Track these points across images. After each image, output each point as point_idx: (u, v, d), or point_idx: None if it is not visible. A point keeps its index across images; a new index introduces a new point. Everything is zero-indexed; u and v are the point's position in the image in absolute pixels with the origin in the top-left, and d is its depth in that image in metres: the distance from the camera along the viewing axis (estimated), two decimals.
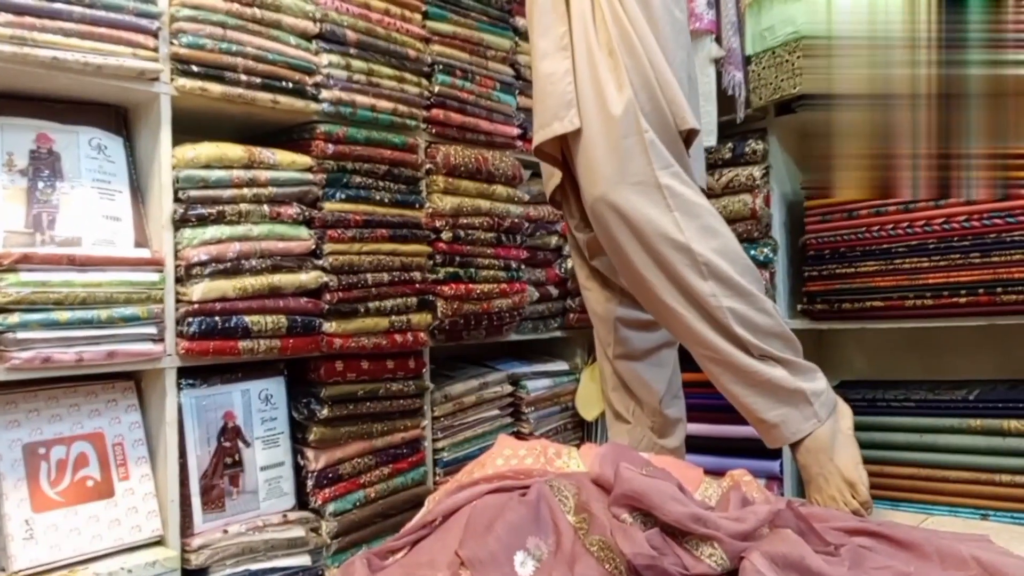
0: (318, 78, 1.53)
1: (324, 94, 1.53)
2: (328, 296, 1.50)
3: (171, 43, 1.35)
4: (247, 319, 1.38)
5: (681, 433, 1.58)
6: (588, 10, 1.32)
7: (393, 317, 1.61)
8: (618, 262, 1.36)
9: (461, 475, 1.20)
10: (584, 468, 1.12)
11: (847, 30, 1.53)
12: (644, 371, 1.52)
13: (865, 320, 1.85)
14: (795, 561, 0.87)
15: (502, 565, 0.90)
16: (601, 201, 1.30)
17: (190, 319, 1.33)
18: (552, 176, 1.50)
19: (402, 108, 1.67)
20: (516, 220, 1.88)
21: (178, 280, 1.35)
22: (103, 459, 1.30)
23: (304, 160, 1.50)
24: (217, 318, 1.35)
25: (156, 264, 1.32)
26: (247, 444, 1.45)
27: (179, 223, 1.35)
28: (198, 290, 1.33)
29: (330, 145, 1.53)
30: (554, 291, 2.02)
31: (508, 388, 1.93)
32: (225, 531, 1.37)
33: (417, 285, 1.66)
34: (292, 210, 1.47)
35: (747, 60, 1.90)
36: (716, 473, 1.17)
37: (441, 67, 1.75)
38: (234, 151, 1.40)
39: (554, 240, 2.04)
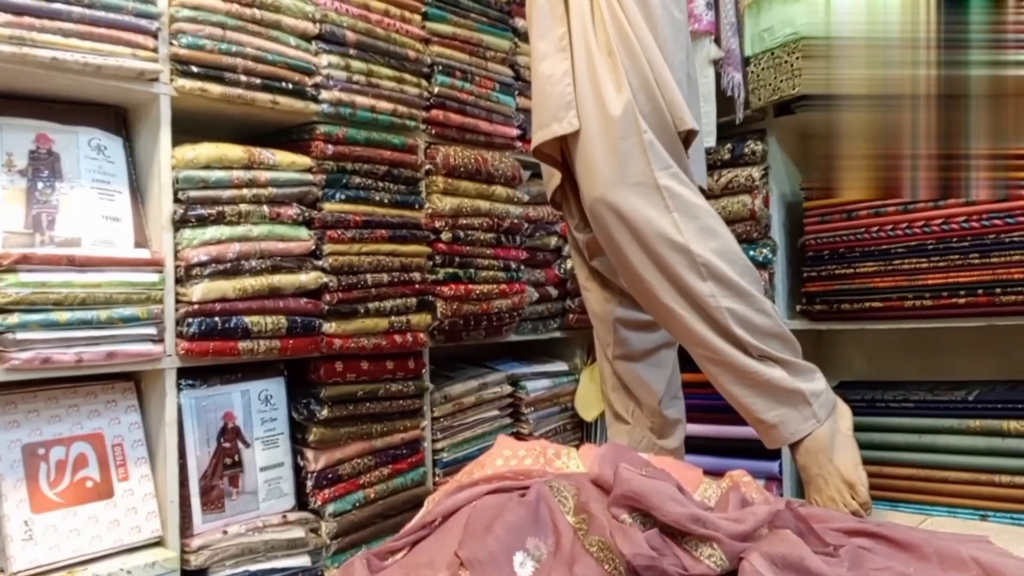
0: (318, 79, 1.53)
1: (324, 95, 1.54)
2: (328, 297, 1.51)
3: (171, 43, 1.35)
4: (247, 320, 1.38)
5: (680, 434, 1.58)
6: (587, 11, 1.32)
7: (393, 318, 1.61)
8: (617, 263, 1.36)
9: (461, 476, 1.20)
10: (583, 469, 1.12)
11: (846, 31, 1.53)
12: (643, 372, 1.52)
13: (864, 321, 1.86)
14: (794, 562, 0.87)
15: (501, 566, 0.90)
16: (600, 202, 1.30)
17: (190, 320, 1.33)
18: (552, 177, 1.51)
19: (402, 109, 1.67)
20: (516, 221, 1.88)
21: (178, 281, 1.35)
22: (102, 460, 1.30)
23: (304, 161, 1.50)
24: (217, 319, 1.35)
25: (156, 265, 1.32)
26: (247, 445, 1.45)
27: (179, 224, 1.35)
28: (198, 291, 1.33)
29: (330, 146, 1.53)
30: (553, 292, 2.02)
31: (508, 389, 1.93)
32: (225, 532, 1.37)
33: (417, 286, 1.67)
34: (292, 211, 1.47)
35: (746, 61, 1.90)
36: (715, 474, 1.17)
37: (441, 68, 1.75)
38: (234, 152, 1.40)
39: (553, 241, 2.04)
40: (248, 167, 1.42)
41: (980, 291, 1.67)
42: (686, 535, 0.92)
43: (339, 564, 1.48)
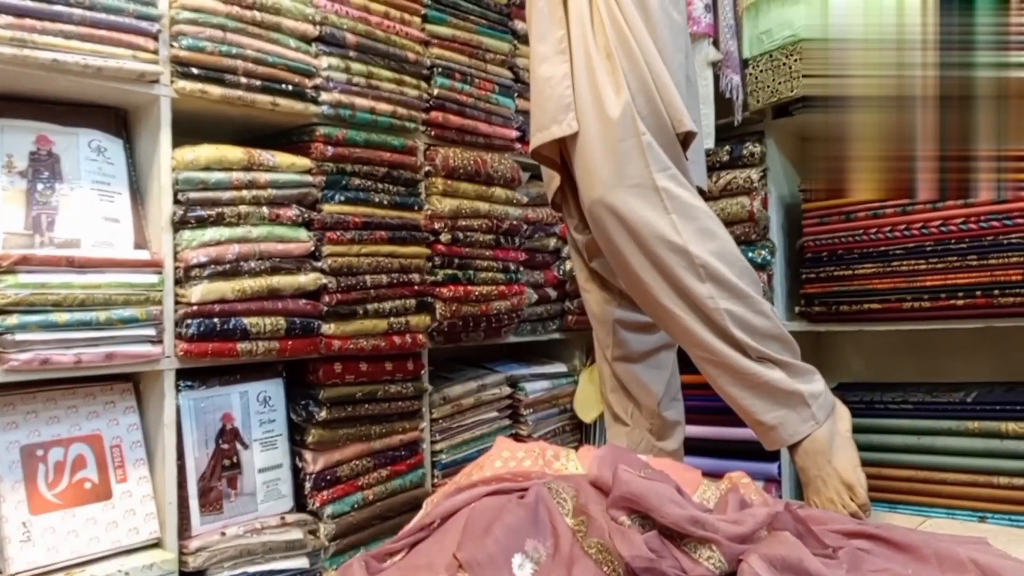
0: (318, 81, 1.53)
1: (324, 96, 1.54)
2: (327, 298, 1.51)
3: (171, 45, 1.35)
4: (246, 321, 1.38)
5: (679, 435, 1.58)
6: (586, 14, 1.32)
7: (392, 319, 1.61)
8: (616, 264, 1.36)
9: (459, 477, 1.20)
10: (582, 470, 1.13)
11: (845, 32, 1.53)
12: (642, 373, 1.53)
13: (863, 322, 1.86)
14: (793, 564, 0.87)
15: (500, 567, 0.90)
16: (599, 203, 1.30)
17: (189, 321, 1.33)
18: (553, 179, 1.51)
19: (401, 111, 1.67)
20: (515, 222, 1.88)
21: (177, 282, 1.35)
22: (101, 461, 1.30)
23: (303, 162, 1.50)
24: (216, 320, 1.35)
25: (155, 266, 1.32)
26: (245, 446, 1.45)
27: (178, 225, 1.35)
28: (197, 292, 1.33)
29: (329, 147, 1.53)
30: (552, 293, 2.02)
31: (506, 390, 1.93)
32: (223, 533, 1.37)
33: (416, 287, 1.67)
34: (291, 212, 1.47)
35: (744, 63, 1.90)
36: (714, 475, 1.17)
37: (440, 70, 1.76)
38: (234, 153, 1.40)
39: (552, 242, 2.04)
40: (248, 169, 1.42)
41: (978, 293, 1.67)
42: (685, 537, 0.92)
43: (337, 566, 1.48)
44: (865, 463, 1.29)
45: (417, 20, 1.73)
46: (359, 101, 1.59)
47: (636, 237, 1.28)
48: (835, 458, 1.25)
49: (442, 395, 1.76)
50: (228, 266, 1.37)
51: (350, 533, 1.53)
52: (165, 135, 1.35)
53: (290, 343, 1.45)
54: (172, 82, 1.35)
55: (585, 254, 1.54)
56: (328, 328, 1.50)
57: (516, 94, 1.95)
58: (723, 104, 1.91)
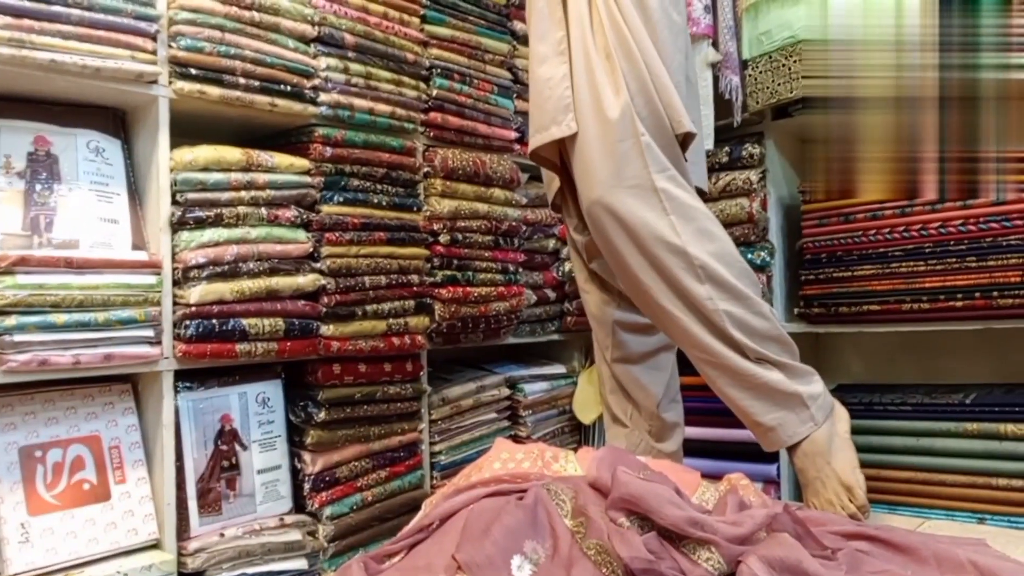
0: (316, 81, 1.53)
1: (322, 97, 1.54)
2: (326, 299, 1.50)
3: (169, 46, 1.35)
4: (244, 322, 1.38)
5: (679, 437, 1.58)
6: (585, 14, 1.32)
7: (391, 320, 1.61)
8: (615, 265, 1.36)
9: (458, 478, 1.20)
10: (581, 472, 1.12)
11: (844, 34, 1.53)
12: (642, 375, 1.52)
13: (862, 324, 1.86)
14: (792, 565, 0.87)
15: (499, 569, 0.90)
16: (597, 204, 1.30)
17: (187, 322, 1.33)
18: (553, 180, 1.51)
19: (400, 111, 1.67)
20: (514, 223, 1.88)
21: (175, 283, 1.35)
22: (99, 462, 1.29)
23: (302, 163, 1.50)
24: (214, 321, 1.35)
25: (153, 267, 1.32)
26: (244, 447, 1.45)
27: (177, 226, 1.35)
28: (195, 293, 1.33)
29: (328, 148, 1.53)
30: (551, 294, 2.02)
31: (505, 391, 1.93)
32: (222, 534, 1.37)
33: (415, 288, 1.67)
34: (290, 213, 1.47)
35: (744, 64, 1.90)
36: (713, 477, 1.17)
37: (439, 71, 1.76)
38: (232, 154, 1.40)
39: (551, 243, 2.04)
40: (246, 169, 1.42)
41: (977, 294, 1.67)
42: (684, 538, 0.92)
43: (336, 567, 1.47)
44: (864, 464, 1.29)
45: (416, 21, 1.73)
46: (358, 102, 1.59)
47: (635, 238, 1.28)
48: (834, 459, 1.25)
49: (441, 396, 1.76)
50: (227, 267, 1.37)
51: (349, 534, 1.53)
52: (163, 136, 1.35)
53: (289, 344, 1.45)
54: (170, 83, 1.35)
55: (585, 255, 1.53)
56: (327, 329, 1.50)
57: (515, 95, 1.95)
58: (722, 105, 1.91)
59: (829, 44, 1.59)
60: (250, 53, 1.43)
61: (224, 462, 1.42)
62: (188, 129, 1.42)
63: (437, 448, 1.75)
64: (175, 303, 1.35)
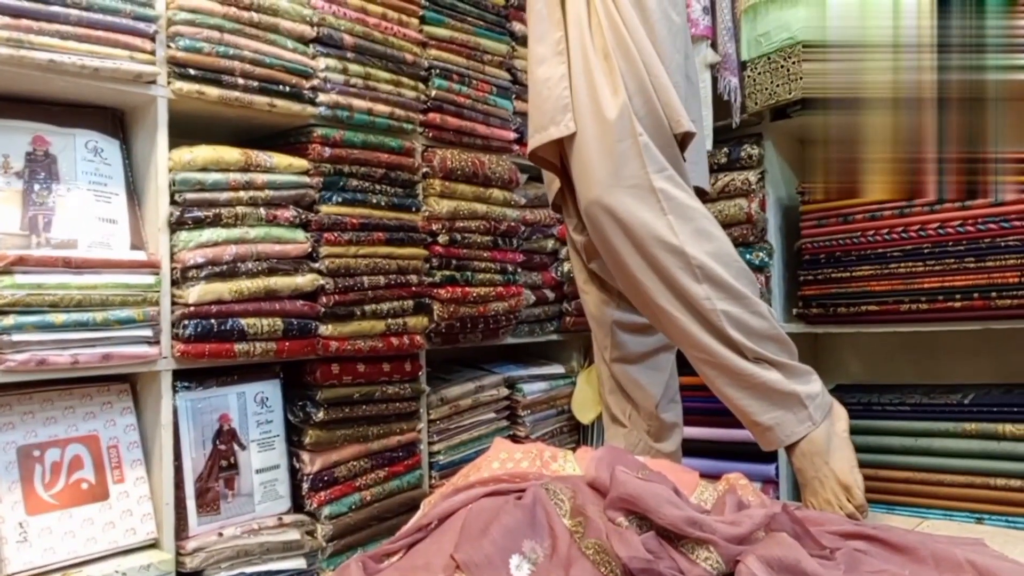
0: (315, 82, 1.53)
1: (321, 98, 1.54)
2: (324, 299, 1.50)
3: (168, 46, 1.35)
4: (243, 322, 1.38)
5: (677, 437, 1.58)
6: (584, 15, 1.32)
7: (389, 320, 1.61)
8: (613, 265, 1.36)
9: (457, 478, 1.20)
10: (580, 472, 1.12)
11: (843, 35, 1.54)
12: (640, 375, 1.52)
13: (860, 324, 1.86)
14: (791, 565, 0.87)
15: (498, 569, 0.90)
16: (595, 204, 1.30)
17: (186, 321, 1.33)
18: (554, 180, 1.51)
19: (399, 112, 1.67)
20: (512, 224, 1.88)
21: (174, 283, 1.35)
22: (98, 462, 1.29)
23: (301, 163, 1.50)
24: (213, 321, 1.35)
25: (152, 267, 1.32)
26: (242, 447, 1.45)
27: (175, 226, 1.35)
28: (194, 293, 1.33)
29: (327, 148, 1.53)
30: (550, 294, 2.02)
31: (504, 391, 1.93)
32: (220, 534, 1.37)
33: (413, 288, 1.67)
34: (289, 213, 1.47)
35: (743, 65, 1.91)
36: (712, 477, 1.17)
37: (438, 71, 1.76)
38: (231, 154, 1.40)
39: (550, 243, 2.04)
40: (245, 169, 1.42)
41: (976, 295, 1.67)
42: (682, 538, 0.92)
43: (335, 567, 1.47)
44: (862, 464, 1.29)
45: (415, 21, 1.73)
46: (356, 102, 1.59)
47: (633, 238, 1.28)
48: (832, 459, 1.25)
49: (440, 396, 1.76)
50: (225, 267, 1.37)
51: (347, 534, 1.53)
52: (162, 136, 1.35)
53: (287, 344, 1.45)
54: (169, 83, 1.35)
55: (584, 256, 1.54)
56: (325, 329, 1.50)
57: (514, 95, 1.95)
58: (721, 106, 1.91)
59: (828, 45, 1.59)
60: (249, 53, 1.43)
61: (222, 462, 1.42)
62: (187, 129, 1.42)
63: (436, 448, 1.75)
64: (173, 303, 1.35)
